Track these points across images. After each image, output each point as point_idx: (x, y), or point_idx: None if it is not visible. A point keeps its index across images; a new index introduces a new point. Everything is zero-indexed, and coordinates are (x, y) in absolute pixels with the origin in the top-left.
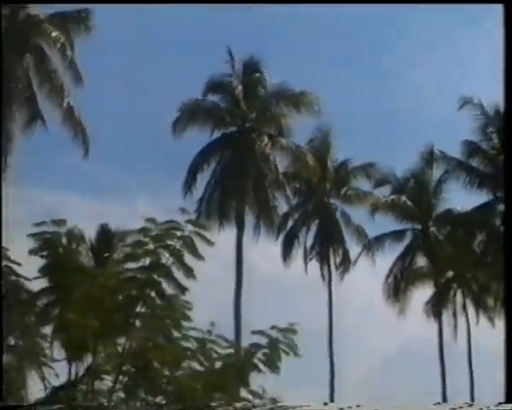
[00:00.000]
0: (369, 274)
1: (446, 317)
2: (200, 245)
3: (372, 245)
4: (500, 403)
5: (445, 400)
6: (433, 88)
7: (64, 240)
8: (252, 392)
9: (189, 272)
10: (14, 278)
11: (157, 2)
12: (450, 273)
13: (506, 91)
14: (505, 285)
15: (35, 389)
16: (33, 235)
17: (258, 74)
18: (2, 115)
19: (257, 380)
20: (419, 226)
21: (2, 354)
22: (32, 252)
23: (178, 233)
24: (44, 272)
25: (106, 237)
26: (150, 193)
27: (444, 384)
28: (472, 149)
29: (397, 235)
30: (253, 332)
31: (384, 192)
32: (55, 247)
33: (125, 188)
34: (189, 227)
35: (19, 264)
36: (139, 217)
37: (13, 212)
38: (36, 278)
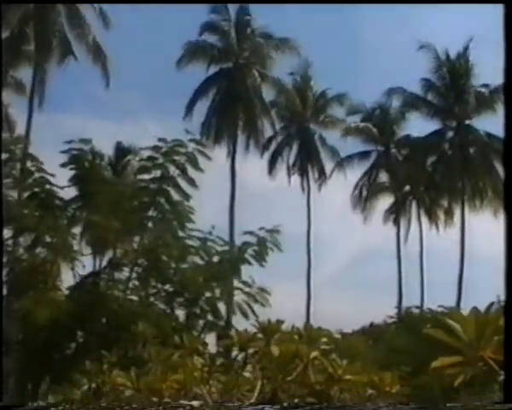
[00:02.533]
0: (340, 187)
1: (403, 224)
2: (201, 160)
3: (343, 163)
4: (499, 403)
5: (400, 294)
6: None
7: (88, 156)
8: (243, 282)
9: (191, 182)
10: (48, 186)
11: None
12: (407, 187)
13: (506, 91)
14: (505, 282)
15: (67, 277)
16: (64, 151)
17: (248, 18)
18: (2, 115)
19: (247, 272)
20: (382, 148)
21: (1, 354)
22: (64, 165)
23: (183, 150)
24: (73, 182)
25: (122, 153)
26: (160, 117)
27: (400, 281)
28: (427, 85)
29: (364, 155)
30: (245, 232)
31: (354, 119)
32: (81, 161)
33: (139, 112)
34: (192, 145)
35: (52, 175)
36: (151, 137)
37: (43, 134)
38: (67, 186)
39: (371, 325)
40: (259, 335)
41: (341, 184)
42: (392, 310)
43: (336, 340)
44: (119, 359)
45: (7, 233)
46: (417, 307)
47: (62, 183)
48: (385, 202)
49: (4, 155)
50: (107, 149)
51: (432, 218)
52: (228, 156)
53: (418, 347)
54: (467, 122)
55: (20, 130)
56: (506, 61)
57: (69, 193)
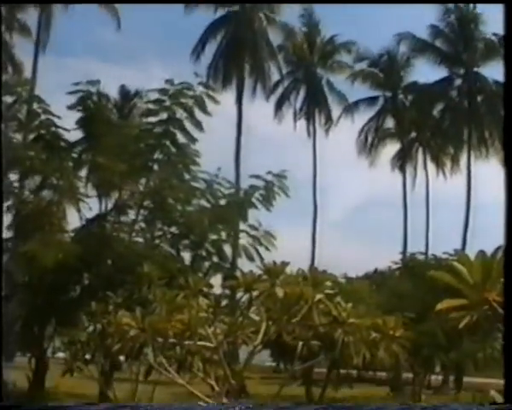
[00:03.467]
0: (347, 132)
1: (409, 171)
2: (208, 103)
3: (350, 108)
4: (499, 403)
5: (405, 241)
6: None
7: (95, 98)
8: (250, 225)
9: (198, 125)
10: (54, 129)
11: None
12: (413, 134)
13: (506, 91)
14: (505, 282)
15: (72, 220)
16: (71, 93)
17: None
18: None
19: (254, 216)
20: (389, 94)
21: (1, 354)
22: (70, 107)
23: (191, 93)
24: (79, 124)
25: (128, 97)
26: (166, 61)
27: (405, 228)
28: (435, 31)
29: (371, 100)
30: (251, 176)
31: (361, 65)
32: (87, 103)
33: (144, 56)
34: (200, 88)
35: (59, 117)
36: (157, 81)
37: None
38: (73, 129)
39: (375, 270)
40: (264, 276)
41: (348, 130)
42: (396, 256)
43: (340, 284)
44: (125, 300)
45: (12, 176)
46: (422, 254)
47: (68, 125)
48: (391, 148)
49: (10, 98)
50: (114, 93)
51: (438, 165)
52: (235, 100)
53: (422, 292)
54: (475, 70)
55: (26, 73)
56: (506, 61)
57: (75, 136)
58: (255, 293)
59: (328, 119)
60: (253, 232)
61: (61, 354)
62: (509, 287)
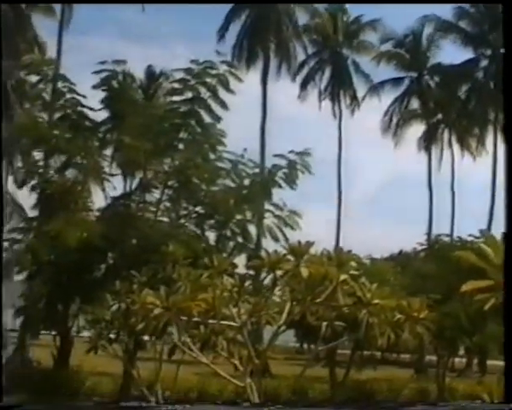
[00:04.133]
0: (372, 113)
1: (435, 152)
2: (233, 82)
3: (376, 89)
4: (500, 403)
5: (430, 222)
6: None
7: (120, 77)
8: (274, 205)
9: (223, 104)
10: (79, 108)
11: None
12: (439, 115)
13: (506, 91)
14: (505, 283)
15: (97, 199)
16: (96, 72)
17: None
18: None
19: (279, 195)
20: (415, 75)
21: (1, 354)
22: (95, 87)
23: (215, 72)
24: (105, 103)
25: (153, 77)
26: (191, 41)
27: (430, 209)
28: (461, 12)
29: (396, 81)
30: (275, 155)
31: (387, 46)
32: (113, 82)
33: (169, 36)
34: (224, 67)
35: (84, 96)
36: (181, 60)
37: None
38: (98, 109)
39: (400, 252)
40: (289, 256)
41: (373, 111)
42: (421, 238)
43: (365, 265)
44: (149, 279)
45: (37, 155)
46: (447, 236)
47: (94, 105)
48: (416, 129)
49: (35, 77)
50: (138, 73)
51: (464, 146)
52: (260, 80)
53: (446, 274)
54: (502, 51)
55: (50, 53)
56: (506, 61)
57: (101, 116)
58: (279, 273)
59: (354, 99)
60: (277, 212)
61: (85, 334)
62: (509, 288)
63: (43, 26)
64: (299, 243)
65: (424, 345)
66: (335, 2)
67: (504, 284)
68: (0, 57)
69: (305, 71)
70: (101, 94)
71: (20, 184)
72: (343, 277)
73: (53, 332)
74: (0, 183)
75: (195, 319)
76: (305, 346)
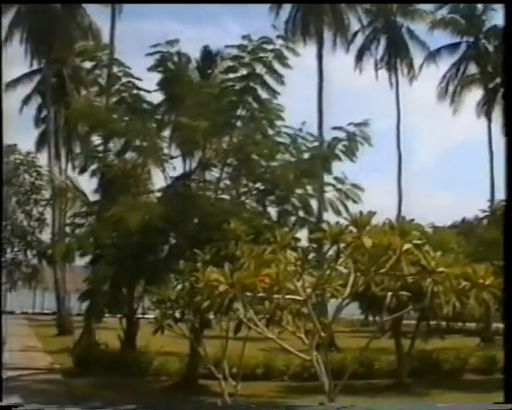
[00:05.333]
0: (429, 80)
1: (495, 117)
2: (289, 56)
3: (432, 56)
4: (499, 403)
5: (492, 188)
6: None
7: (175, 58)
8: (335, 178)
9: (279, 79)
10: (135, 91)
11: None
12: (498, 79)
13: (507, 91)
14: (505, 285)
15: (158, 180)
16: (150, 54)
17: None
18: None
19: (339, 168)
20: (471, 39)
21: (1, 354)
22: (150, 69)
23: (270, 47)
24: (161, 85)
25: (207, 56)
26: (243, 17)
27: (492, 175)
28: None
29: (452, 47)
30: (334, 128)
31: (442, 12)
32: (168, 64)
33: (221, 14)
34: (280, 42)
35: (140, 79)
36: (235, 37)
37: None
38: (155, 91)
39: (463, 220)
40: (351, 228)
41: (430, 78)
42: (484, 204)
43: (428, 234)
44: (212, 257)
45: (96, 139)
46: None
47: (150, 87)
48: (475, 94)
49: (90, 63)
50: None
51: None
52: (315, 53)
53: None
54: None
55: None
56: (507, 61)
57: (157, 98)
58: (342, 245)
59: (410, 67)
60: (339, 185)
61: (150, 316)
62: (509, 288)
63: (96, 12)
64: (361, 213)
65: (490, 313)
66: (344, 2)
67: (504, 284)
68: (0, 56)
69: (359, 41)
70: (157, 76)
71: (81, 170)
72: (406, 246)
73: (118, 315)
74: (0, 182)
75: (260, 294)
76: (370, 318)
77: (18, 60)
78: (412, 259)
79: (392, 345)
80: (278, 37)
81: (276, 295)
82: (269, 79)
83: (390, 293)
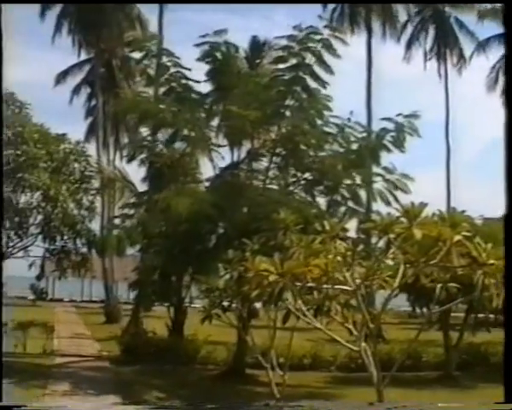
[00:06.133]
0: (479, 71)
1: None
2: (337, 46)
3: (482, 46)
4: (499, 403)
5: None
6: None
7: (223, 48)
8: (384, 168)
9: (328, 69)
10: (184, 81)
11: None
12: None
13: (507, 91)
14: (505, 285)
15: (206, 170)
16: (198, 44)
17: None
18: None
19: (388, 159)
20: None
21: (1, 354)
22: (199, 59)
23: (318, 37)
24: (209, 75)
25: (255, 46)
26: (289, 8)
27: None
28: None
29: (502, 37)
30: (383, 119)
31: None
32: (216, 54)
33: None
34: (327, 31)
35: (189, 69)
36: (282, 27)
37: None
38: (204, 81)
39: None
40: (402, 219)
41: (480, 69)
42: None
43: (477, 225)
44: (261, 246)
45: (144, 129)
46: None
47: (198, 77)
48: None
49: (138, 53)
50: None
51: None
52: (363, 43)
53: None
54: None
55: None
56: (507, 61)
57: (206, 88)
58: (392, 236)
59: (460, 58)
60: (388, 176)
61: (197, 305)
62: (509, 288)
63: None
64: (413, 204)
65: None
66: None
67: (504, 284)
68: (0, 56)
69: (408, 32)
70: (205, 66)
71: (129, 159)
72: (457, 237)
73: (166, 303)
74: (0, 181)
75: (310, 284)
76: (418, 310)
77: (66, 51)
78: (462, 251)
79: (440, 337)
80: (326, 27)
81: (325, 286)
82: (318, 68)
83: (439, 285)
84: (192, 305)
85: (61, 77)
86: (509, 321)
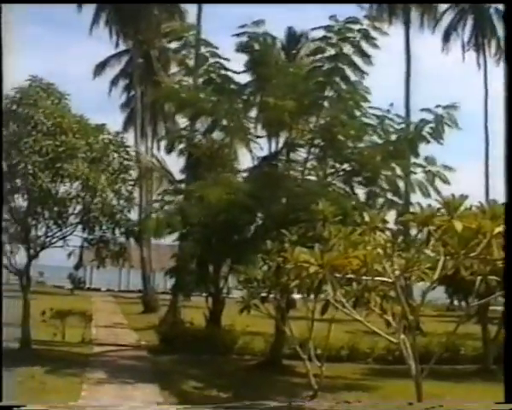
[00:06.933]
0: None
1: None
2: (376, 36)
3: None
4: (499, 403)
5: None
6: None
7: (261, 39)
8: (426, 159)
9: (367, 60)
10: (223, 72)
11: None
12: None
13: (508, 92)
14: (505, 285)
15: (244, 160)
16: (236, 35)
17: None
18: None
19: (427, 150)
20: None
21: (1, 354)
22: (237, 49)
23: (357, 27)
24: (248, 66)
25: (293, 38)
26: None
27: None
28: None
29: None
30: (422, 110)
31: None
32: (254, 44)
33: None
34: (366, 22)
35: (227, 59)
36: (318, 18)
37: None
38: (242, 71)
39: None
40: (442, 211)
41: None
42: None
43: None
44: (299, 237)
45: (182, 120)
46: None
47: (236, 68)
48: None
49: (177, 43)
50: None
51: None
52: (401, 33)
53: None
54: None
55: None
56: (507, 62)
57: (245, 78)
58: (432, 227)
59: (498, 48)
60: (428, 167)
61: (234, 295)
62: (509, 287)
63: None
64: (453, 196)
65: None
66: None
67: (504, 283)
68: (0, 55)
69: (446, 22)
70: (242, 57)
71: (168, 149)
72: (497, 230)
73: (204, 293)
74: (0, 181)
75: (349, 276)
76: (456, 302)
77: (105, 42)
78: (503, 243)
79: (478, 331)
80: (365, 17)
81: (364, 277)
82: (356, 59)
83: (479, 277)
84: (229, 295)
85: (100, 68)
86: (509, 321)
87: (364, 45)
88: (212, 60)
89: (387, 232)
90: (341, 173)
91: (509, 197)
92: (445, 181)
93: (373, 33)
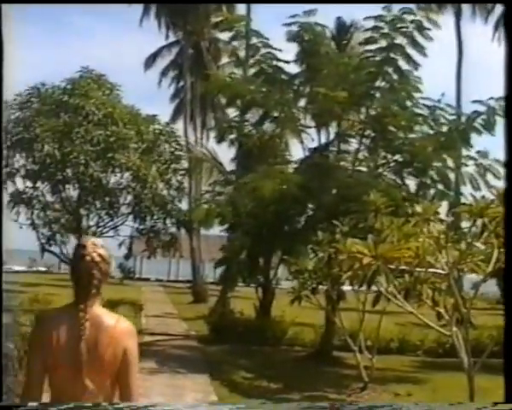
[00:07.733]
0: None
1: None
2: (429, 27)
3: None
4: (499, 403)
5: None
6: None
7: (312, 28)
8: (478, 152)
9: (420, 51)
10: (275, 62)
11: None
12: None
13: (508, 91)
14: (505, 285)
15: (295, 151)
16: (287, 24)
17: None
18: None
19: (479, 142)
20: None
21: (1, 354)
22: (288, 40)
23: (410, 17)
24: (298, 56)
25: (344, 28)
26: None
27: None
28: None
29: None
30: (473, 101)
31: None
32: (305, 34)
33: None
34: (420, 12)
35: (279, 50)
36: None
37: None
38: (293, 61)
39: None
40: (496, 202)
41: None
42: None
43: None
44: (351, 229)
45: (232, 112)
46: None
47: (286, 58)
48: None
49: (227, 34)
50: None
51: None
52: (453, 24)
53: None
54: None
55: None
56: (508, 62)
57: (295, 68)
58: (486, 219)
59: None
60: (480, 160)
61: (284, 286)
62: (509, 287)
63: None
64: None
65: None
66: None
67: (504, 283)
68: (1, 56)
69: (498, 12)
70: (292, 46)
71: (219, 140)
72: None
73: (253, 284)
74: (0, 180)
75: (402, 267)
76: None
77: (154, 34)
78: None
79: None
80: (419, 8)
81: (418, 269)
82: (410, 50)
83: None
84: (279, 286)
85: (151, 60)
86: (508, 321)
87: (417, 36)
88: (263, 50)
89: (441, 224)
90: (392, 164)
91: (509, 197)
92: (497, 176)
93: (426, 24)
